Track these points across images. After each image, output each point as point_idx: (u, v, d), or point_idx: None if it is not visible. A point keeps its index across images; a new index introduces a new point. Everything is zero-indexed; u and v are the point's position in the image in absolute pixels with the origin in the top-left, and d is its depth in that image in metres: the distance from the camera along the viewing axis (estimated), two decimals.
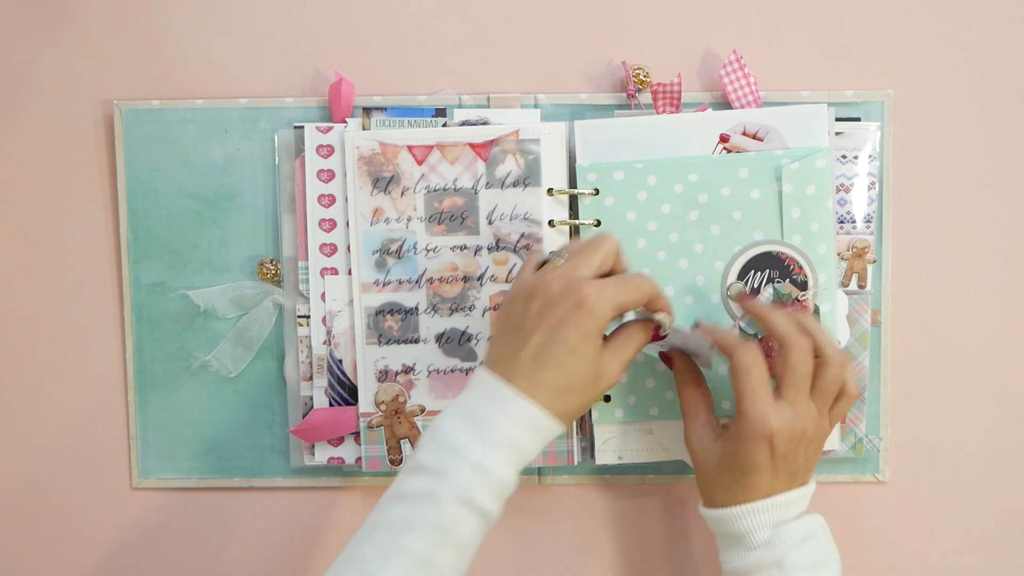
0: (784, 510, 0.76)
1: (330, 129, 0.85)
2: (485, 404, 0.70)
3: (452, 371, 0.86)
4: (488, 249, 0.85)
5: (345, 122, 0.85)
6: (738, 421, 0.75)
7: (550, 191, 0.85)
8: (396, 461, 0.86)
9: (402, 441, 0.86)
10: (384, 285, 0.85)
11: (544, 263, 0.75)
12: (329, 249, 0.86)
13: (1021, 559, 0.90)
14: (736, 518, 0.76)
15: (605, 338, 0.74)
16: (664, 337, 0.77)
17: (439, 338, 0.86)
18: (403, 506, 0.69)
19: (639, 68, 0.86)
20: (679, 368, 0.81)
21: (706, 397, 0.80)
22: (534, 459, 0.72)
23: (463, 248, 0.85)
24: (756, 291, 0.84)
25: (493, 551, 0.90)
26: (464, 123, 0.85)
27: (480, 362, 0.74)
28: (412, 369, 0.86)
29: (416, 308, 0.86)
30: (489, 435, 0.69)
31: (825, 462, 0.89)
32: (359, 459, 0.87)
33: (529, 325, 0.72)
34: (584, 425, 0.87)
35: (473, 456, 0.69)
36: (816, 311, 0.84)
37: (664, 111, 0.85)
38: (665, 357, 0.83)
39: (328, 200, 0.85)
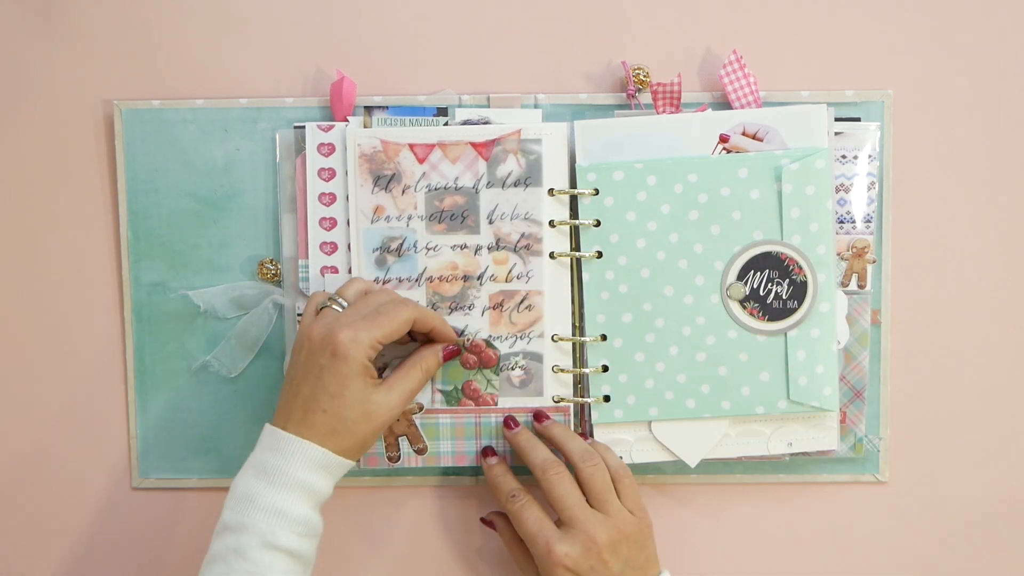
0: None
1: (331, 127, 0.85)
2: (270, 454, 0.75)
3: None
4: (488, 248, 0.85)
5: (347, 120, 0.85)
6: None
7: (551, 191, 0.85)
8: (394, 458, 0.86)
9: (400, 439, 0.86)
10: (384, 283, 0.85)
11: (322, 308, 0.80)
12: (329, 247, 0.86)
13: (1021, 559, 0.90)
14: None
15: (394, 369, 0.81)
16: (456, 354, 0.83)
17: None
18: (217, 566, 0.74)
19: (639, 68, 0.86)
20: (502, 527, 0.86)
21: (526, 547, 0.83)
22: (328, 494, 0.77)
23: (463, 247, 0.85)
24: (756, 291, 0.84)
25: (492, 550, 0.90)
26: (466, 122, 0.85)
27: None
28: None
29: None
30: (277, 480, 0.74)
31: (825, 462, 0.89)
32: None
33: (299, 374, 0.77)
34: (584, 425, 0.87)
35: (266, 502, 0.74)
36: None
37: (664, 111, 0.85)
38: (485, 521, 0.88)
39: (329, 199, 0.85)
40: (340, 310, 0.79)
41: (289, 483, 0.74)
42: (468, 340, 0.86)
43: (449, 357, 0.83)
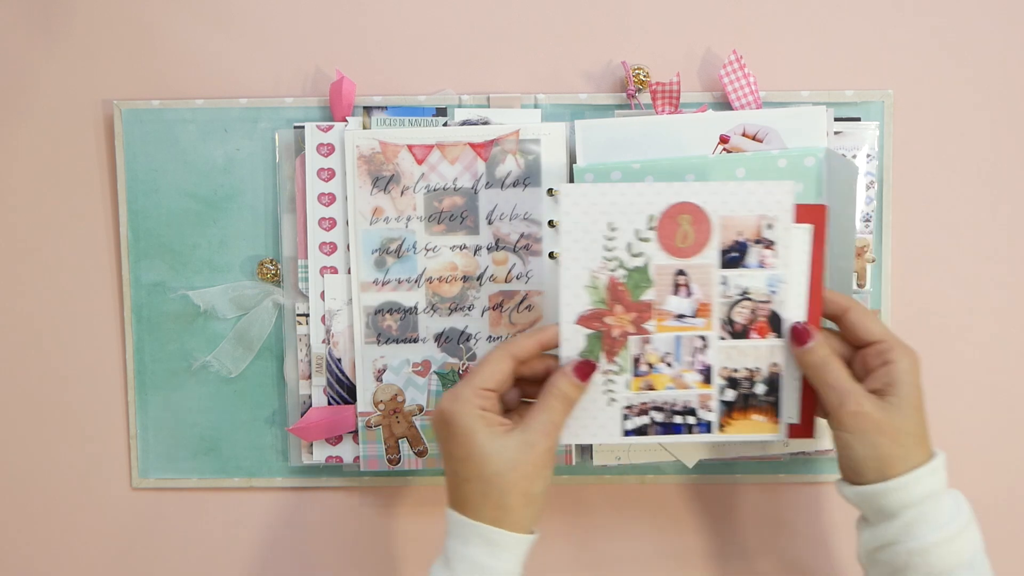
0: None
1: (330, 128, 0.85)
2: (450, 539, 0.74)
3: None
4: (488, 249, 0.85)
5: (346, 121, 0.85)
6: (896, 359, 0.72)
7: (550, 191, 0.85)
8: (394, 460, 0.86)
9: (400, 440, 0.86)
10: (383, 284, 0.85)
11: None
12: (329, 248, 0.86)
13: (1021, 559, 0.90)
14: (936, 471, 0.74)
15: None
16: (591, 369, 0.75)
17: (438, 338, 0.86)
18: None
19: (639, 68, 0.86)
20: (828, 337, 0.76)
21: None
22: (516, 572, 0.74)
23: (462, 248, 0.85)
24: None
25: None
26: (465, 123, 0.85)
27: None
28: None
29: (415, 308, 0.86)
30: (458, 567, 0.72)
31: (824, 462, 0.89)
32: (357, 458, 0.87)
33: (443, 462, 0.75)
34: None
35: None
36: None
37: (663, 111, 0.85)
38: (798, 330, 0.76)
39: (328, 199, 0.86)
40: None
41: (469, 568, 0.72)
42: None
43: (584, 373, 0.75)
